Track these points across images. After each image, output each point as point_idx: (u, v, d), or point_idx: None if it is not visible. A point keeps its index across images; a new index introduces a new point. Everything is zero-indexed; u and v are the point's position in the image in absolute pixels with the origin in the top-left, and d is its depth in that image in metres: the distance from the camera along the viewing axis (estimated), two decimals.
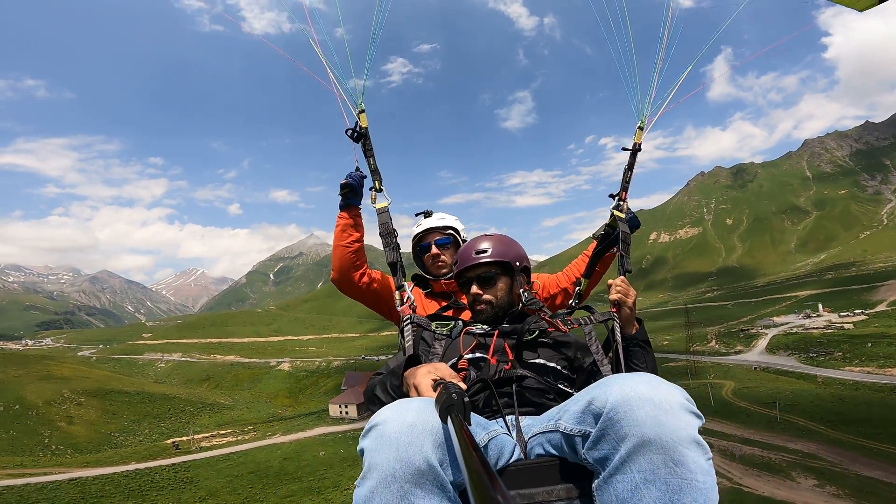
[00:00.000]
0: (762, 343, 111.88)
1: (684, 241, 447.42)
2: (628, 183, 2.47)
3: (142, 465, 58.12)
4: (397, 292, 2.34)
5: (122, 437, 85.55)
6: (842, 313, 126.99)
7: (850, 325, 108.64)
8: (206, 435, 79.01)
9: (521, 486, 1.31)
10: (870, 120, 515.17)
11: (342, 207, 2.49)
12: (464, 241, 2.77)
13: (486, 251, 2.05)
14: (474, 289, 2.04)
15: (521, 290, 2.08)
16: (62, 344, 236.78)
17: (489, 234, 2.15)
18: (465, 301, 2.27)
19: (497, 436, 1.38)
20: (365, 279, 2.57)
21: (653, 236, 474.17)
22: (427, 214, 2.88)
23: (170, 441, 73.55)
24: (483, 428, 1.38)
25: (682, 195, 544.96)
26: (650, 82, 2.50)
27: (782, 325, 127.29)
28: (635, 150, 2.49)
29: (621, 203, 2.43)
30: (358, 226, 2.52)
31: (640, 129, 2.52)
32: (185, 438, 73.93)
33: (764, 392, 67.63)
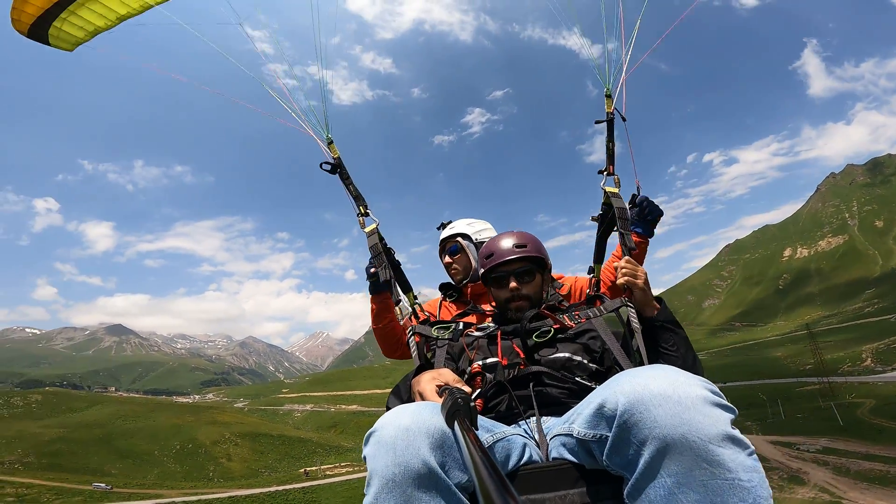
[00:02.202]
0: None
1: (828, 252, 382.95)
2: (612, 155, 2.35)
3: (280, 488, 70.27)
4: (396, 308, 2.38)
5: (268, 472, 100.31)
6: None
7: None
8: (331, 466, 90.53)
9: (531, 491, 1.21)
10: None
11: (372, 293, 2.59)
12: (478, 242, 2.81)
13: (525, 246, 2.01)
14: (513, 284, 1.98)
15: (548, 288, 2.07)
16: (221, 398, 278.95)
17: (515, 231, 2.13)
18: (484, 307, 2.38)
19: (503, 438, 1.28)
20: (403, 344, 2.67)
21: (787, 252, 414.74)
22: (443, 227, 3.00)
23: (301, 470, 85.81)
24: (487, 430, 1.29)
25: (814, 202, 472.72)
26: (606, 48, 2.41)
27: None
28: (609, 120, 2.38)
29: (611, 177, 2.30)
30: (389, 308, 2.63)
31: (608, 97, 2.42)
32: (314, 468, 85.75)
33: None
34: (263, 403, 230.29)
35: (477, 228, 2.85)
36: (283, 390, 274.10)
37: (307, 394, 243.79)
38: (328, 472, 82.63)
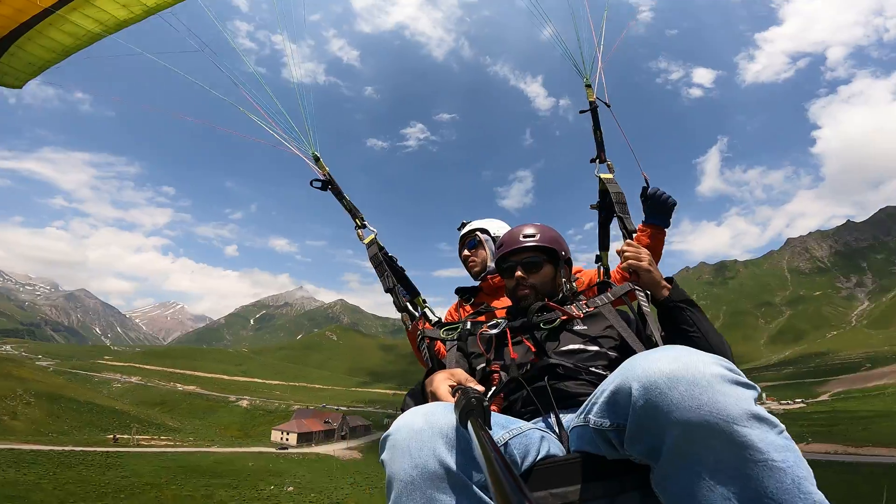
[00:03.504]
0: None
1: None
2: (601, 143, 2.43)
3: (77, 449, 61.16)
4: (403, 314, 2.34)
5: (60, 438, 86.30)
6: (782, 401, 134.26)
7: (782, 412, 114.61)
8: (147, 437, 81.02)
9: (552, 486, 1.17)
10: (851, 219, 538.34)
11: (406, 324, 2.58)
12: (496, 237, 2.81)
13: (534, 236, 1.99)
14: (518, 273, 1.95)
15: (564, 281, 2.02)
16: (21, 352, 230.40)
17: (532, 223, 2.09)
18: (497, 303, 2.39)
19: (520, 433, 1.25)
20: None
21: None
22: (462, 226, 3.02)
23: (110, 436, 75.86)
24: (502, 427, 1.25)
25: None
26: (580, 38, 2.45)
27: None
28: (593, 109, 2.47)
29: (603, 164, 2.35)
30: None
31: (588, 86, 2.50)
32: (125, 436, 76.26)
33: None
34: (76, 367, 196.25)
35: (495, 226, 2.95)
36: (106, 357, 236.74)
37: (136, 365, 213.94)
38: (142, 443, 74.17)
